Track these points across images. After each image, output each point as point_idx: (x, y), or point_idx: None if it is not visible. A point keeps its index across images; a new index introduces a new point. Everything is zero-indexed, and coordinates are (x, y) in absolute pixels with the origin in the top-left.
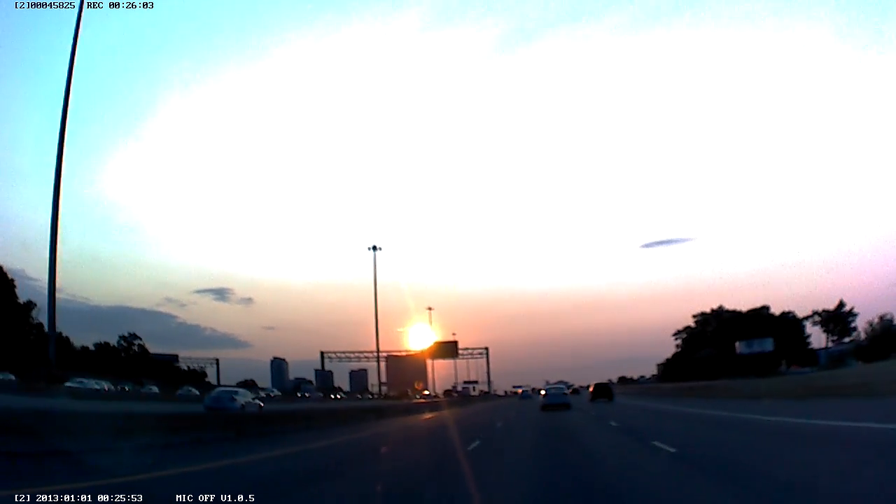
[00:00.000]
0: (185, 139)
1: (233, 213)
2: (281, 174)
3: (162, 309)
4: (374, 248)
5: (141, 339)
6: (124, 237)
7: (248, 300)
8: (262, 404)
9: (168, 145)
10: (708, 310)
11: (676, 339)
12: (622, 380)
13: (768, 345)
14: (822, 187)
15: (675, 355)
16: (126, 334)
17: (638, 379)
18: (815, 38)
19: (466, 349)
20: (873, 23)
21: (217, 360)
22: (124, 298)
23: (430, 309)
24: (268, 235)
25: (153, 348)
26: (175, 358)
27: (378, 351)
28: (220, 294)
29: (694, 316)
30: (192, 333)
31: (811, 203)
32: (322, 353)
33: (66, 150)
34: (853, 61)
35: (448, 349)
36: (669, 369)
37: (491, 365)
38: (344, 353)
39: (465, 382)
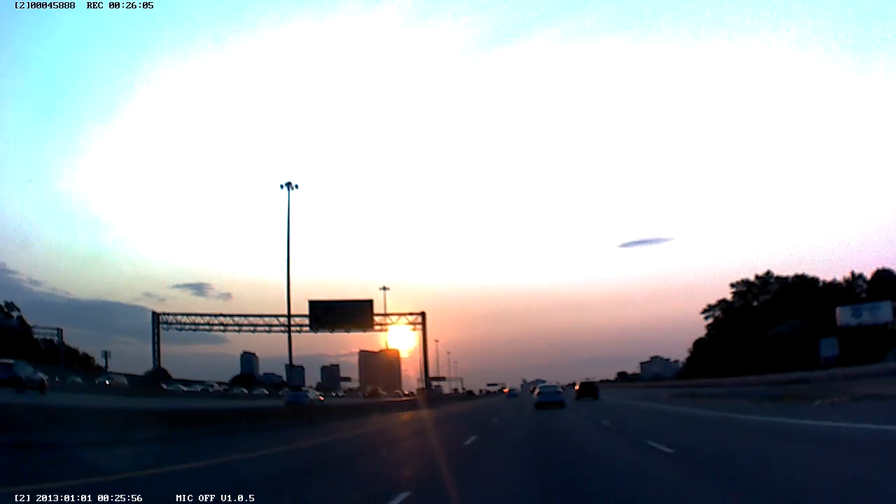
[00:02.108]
0: (163, 135)
1: (212, 209)
2: (260, 171)
3: (141, 303)
4: (289, 184)
5: (19, 309)
6: (104, 232)
7: (227, 295)
8: (322, 398)
9: (147, 142)
10: (751, 276)
11: (707, 316)
12: (622, 376)
13: (885, 312)
14: (801, 185)
15: (701, 341)
16: (2, 304)
17: (637, 375)
18: (789, 45)
19: (388, 314)
20: (845, 31)
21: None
22: (104, 293)
23: (384, 289)
24: (247, 231)
25: (134, 344)
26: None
27: (290, 315)
28: (199, 289)
29: (732, 285)
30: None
31: (792, 202)
32: (155, 315)
33: (46, 145)
34: (826, 67)
35: (356, 313)
36: (702, 357)
37: (466, 363)
38: (187, 314)
39: (432, 379)
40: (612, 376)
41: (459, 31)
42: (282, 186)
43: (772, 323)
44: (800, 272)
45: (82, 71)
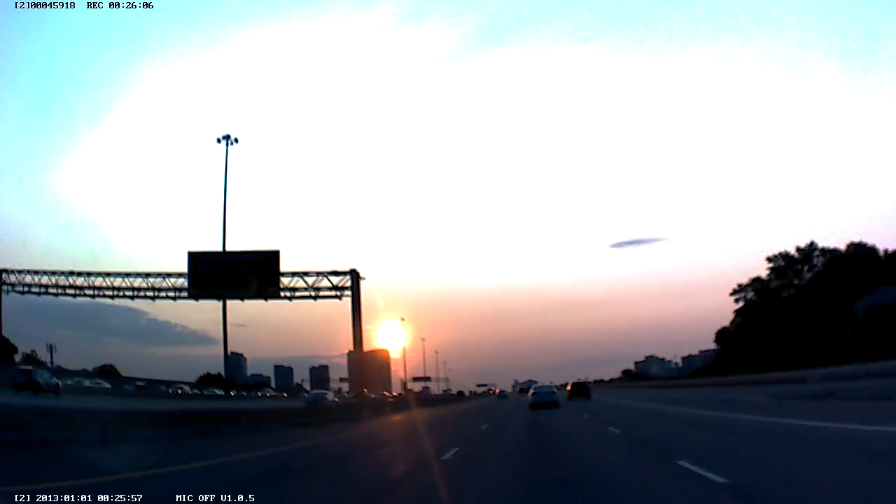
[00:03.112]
0: (148, 133)
1: (201, 208)
2: (249, 169)
3: (132, 305)
4: (227, 137)
5: None
6: (97, 232)
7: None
8: (337, 399)
9: (137, 142)
10: (792, 249)
11: (737, 298)
12: (628, 375)
13: None
14: (794, 181)
15: (725, 332)
16: None
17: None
18: (779, 51)
19: (303, 274)
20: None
21: None
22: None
23: (359, 276)
24: (237, 231)
25: (126, 344)
26: None
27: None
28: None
29: (769, 259)
30: (163, 330)
31: (785, 203)
32: None
33: (36, 145)
34: (813, 74)
35: (255, 272)
36: (734, 348)
37: (456, 364)
38: (34, 272)
39: (415, 379)
40: (606, 376)
41: (449, 31)
42: (218, 140)
43: (828, 301)
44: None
45: (72, 71)
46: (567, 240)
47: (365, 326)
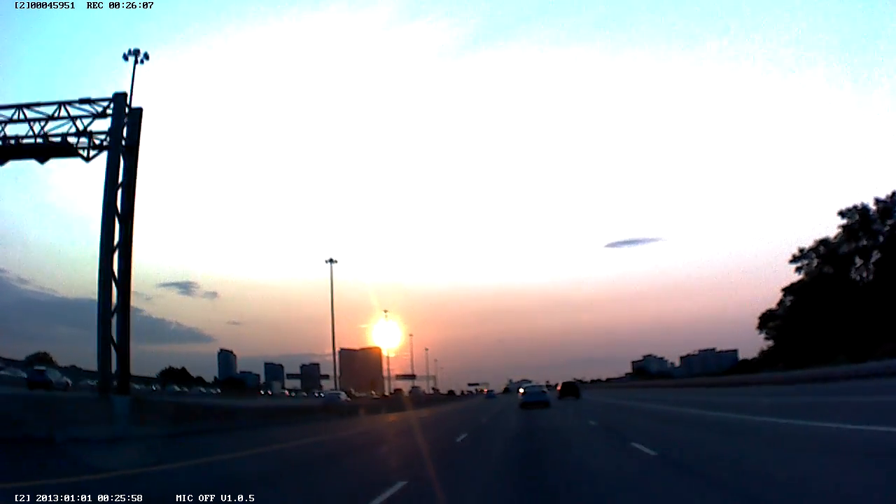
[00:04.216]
0: (146, 133)
1: (196, 208)
2: (246, 173)
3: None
4: (136, 52)
5: None
6: (92, 230)
7: (213, 294)
8: (348, 398)
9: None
10: (870, 201)
11: (799, 267)
12: (639, 373)
13: None
14: (791, 180)
15: (771, 315)
16: None
17: (662, 370)
18: (777, 55)
19: (27, 107)
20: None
21: None
22: (90, 291)
23: (332, 261)
24: (232, 232)
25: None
26: None
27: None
28: (185, 288)
29: (841, 214)
30: (159, 327)
31: (781, 203)
32: None
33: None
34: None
35: None
36: (792, 335)
37: (451, 363)
38: None
39: (398, 377)
40: (603, 376)
41: (447, 30)
42: (125, 57)
43: None
44: None
45: (67, 68)
46: (562, 239)
47: (359, 325)
